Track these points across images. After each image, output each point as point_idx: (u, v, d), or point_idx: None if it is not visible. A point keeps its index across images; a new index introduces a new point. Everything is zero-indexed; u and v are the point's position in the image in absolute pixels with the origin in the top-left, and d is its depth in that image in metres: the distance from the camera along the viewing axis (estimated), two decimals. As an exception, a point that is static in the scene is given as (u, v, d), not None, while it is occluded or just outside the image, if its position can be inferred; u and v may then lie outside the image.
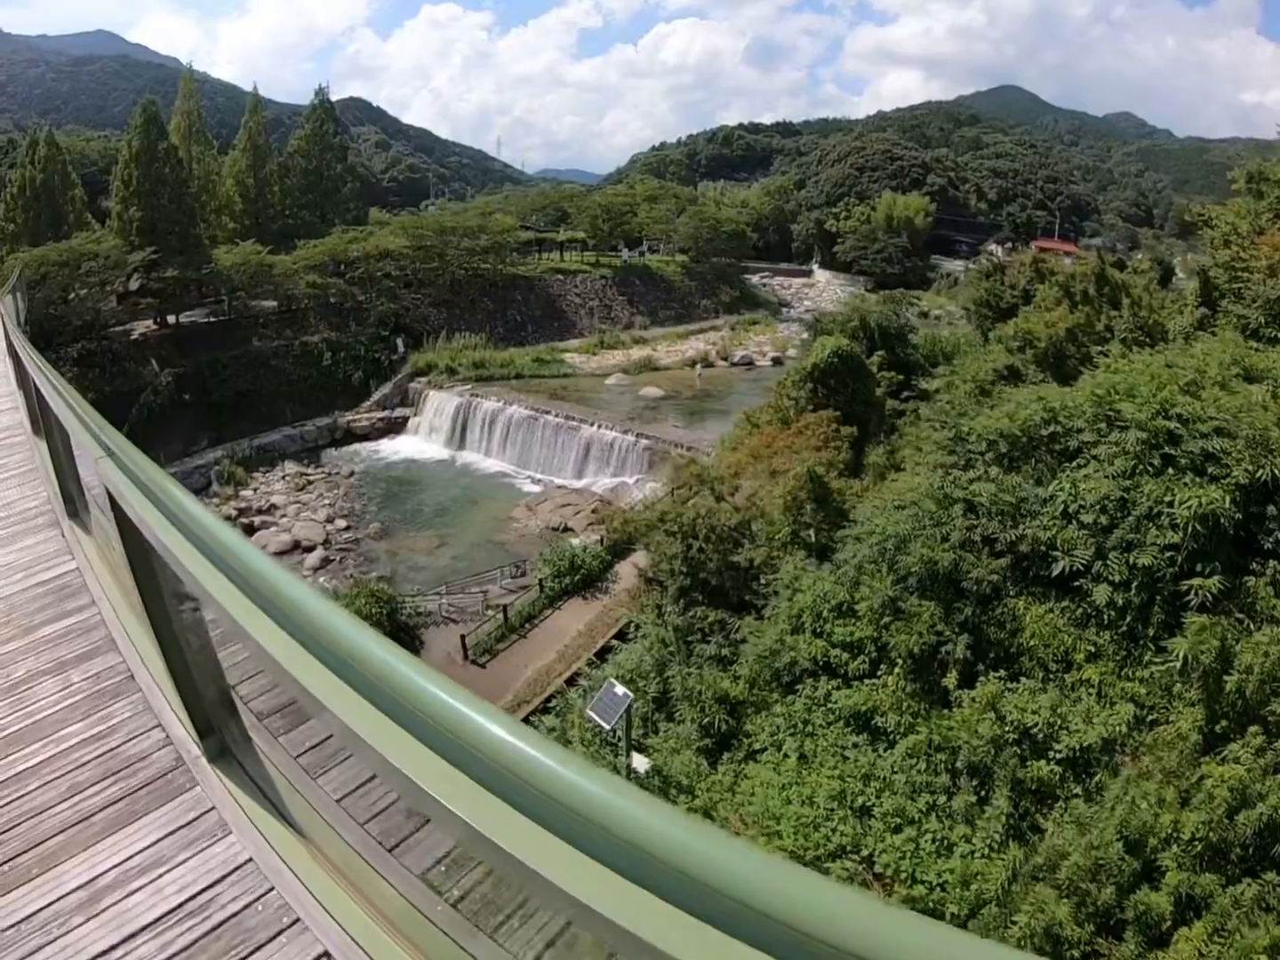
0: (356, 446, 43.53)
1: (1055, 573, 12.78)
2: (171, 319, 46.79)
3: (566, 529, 33.93)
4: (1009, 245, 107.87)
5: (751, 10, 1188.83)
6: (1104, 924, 9.34)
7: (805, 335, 51.73)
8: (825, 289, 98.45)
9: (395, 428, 45.21)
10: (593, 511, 34.87)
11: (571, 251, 70.37)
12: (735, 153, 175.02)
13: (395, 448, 43.48)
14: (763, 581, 16.56)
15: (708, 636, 16.42)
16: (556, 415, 40.27)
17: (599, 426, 39.07)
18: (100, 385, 37.88)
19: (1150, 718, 11.37)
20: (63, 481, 5.81)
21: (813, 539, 17.14)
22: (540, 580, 24.72)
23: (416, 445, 43.55)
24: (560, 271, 63.63)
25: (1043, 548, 13.04)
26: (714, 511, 18.28)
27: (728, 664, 15.51)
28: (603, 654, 20.73)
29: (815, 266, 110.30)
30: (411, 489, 38.34)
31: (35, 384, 5.63)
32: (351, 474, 39.51)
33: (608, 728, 12.87)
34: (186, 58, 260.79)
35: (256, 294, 48.96)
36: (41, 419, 6.48)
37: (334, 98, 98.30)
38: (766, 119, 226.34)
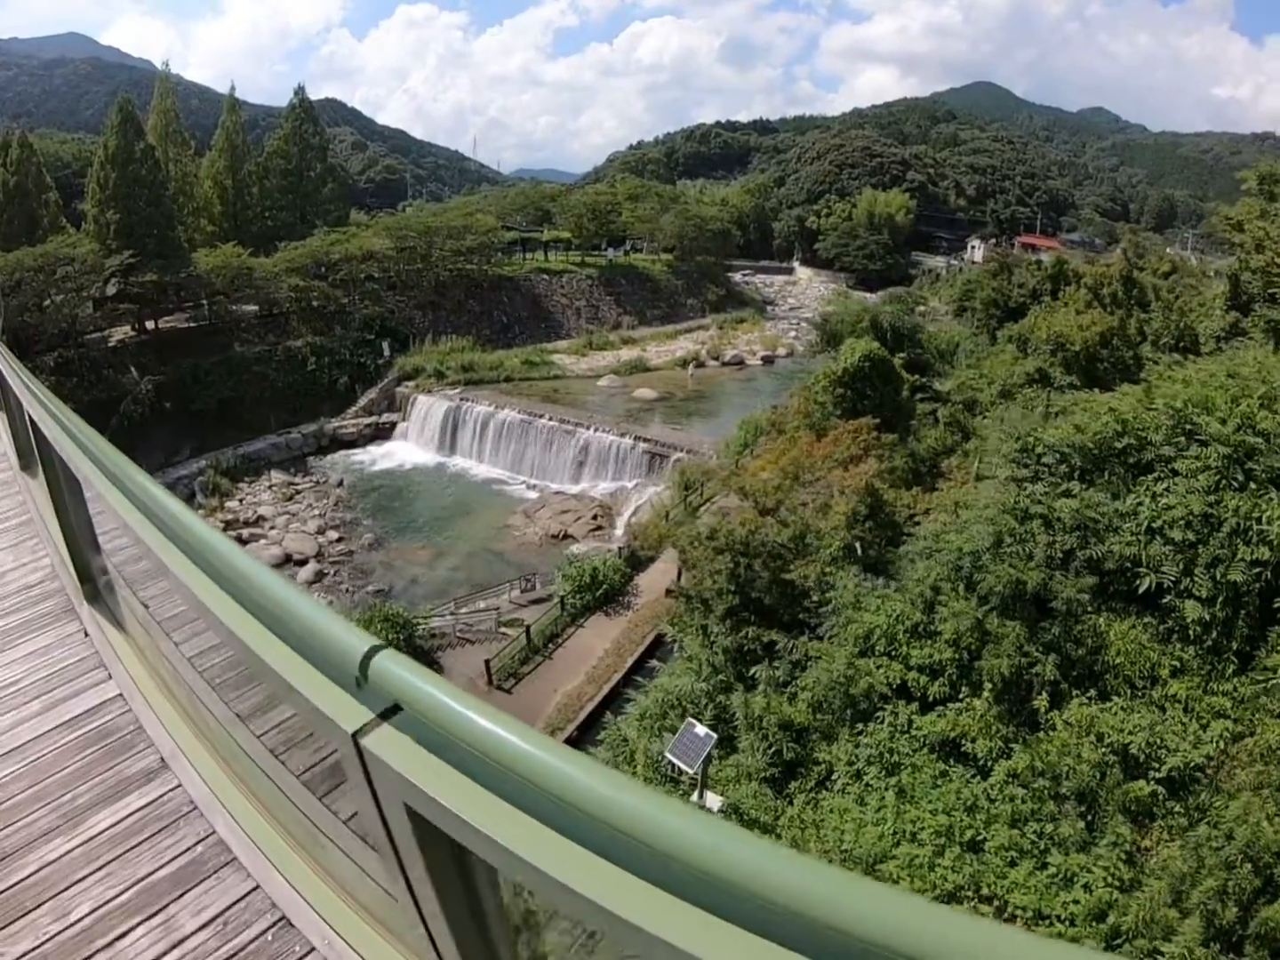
0: (344, 453, 42.48)
1: (1142, 589, 12.42)
2: (150, 325, 45.59)
3: (566, 536, 33.12)
4: (993, 241, 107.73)
5: (727, 9, 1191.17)
6: (1226, 943, 8.99)
7: (810, 336, 51.24)
8: (808, 287, 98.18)
9: (383, 433, 44.16)
10: (593, 518, 34.10)
11: (556, 251, 69.32)
12: (713, 151, 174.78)
13: (384, 454, 42.44)
14: (814, 599, 15.68)
15: (759, 658, 15.54)
16: (551, 419, 39.43)
17: (596, 430, 38.25)
18: (79, 394, 36.58)
19: (1237, 730, 11.02)
20: (75, 549, 4.49)
21: (863, 553, 16.35)
22: (561, 598, 23.73)
23: (406, 451, 42.53)
24: (546, 271, 62.68)
25: (1127, 564, 12.64)
26: (761, 526, 17.33)
27: (782, 686, 14.74)
28: (632, 674, 19.90)
29: (796, 264, 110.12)
30: (403, 497, 37.37)
31: (27, 411, 4.56)
32: (340, 482, 38.45)
33: (691, 771, 12.00)
34: (160, 59, 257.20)
35: (237, 298, 47.65)
36: (39, 454, 4.72)
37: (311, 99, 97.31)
38: (742, 117, 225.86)
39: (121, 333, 44.57)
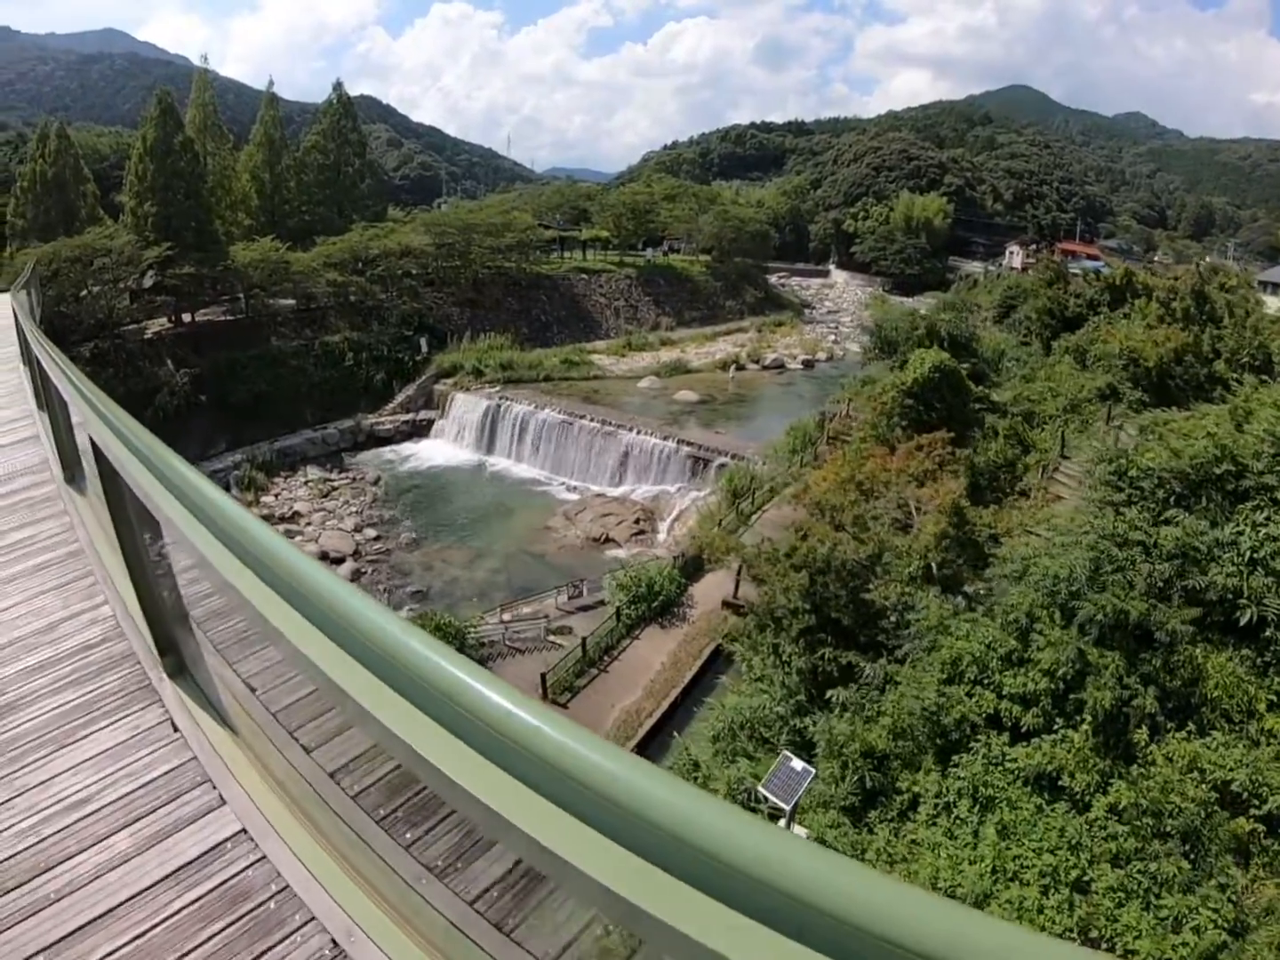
0: (380, 450, 41.80)
1: (1243, 622, 12.01)
2: (187, 317, 45.14)
3: (608, 540, 32.26)
4: (1032, 247, 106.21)
5: (761, 10, 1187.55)
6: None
7: (850, 342, 50.29)
8: (845, 290, 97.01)
9: (420, 431, 43.46)
10: (635, 522, 33.21)
11: (593, 250, 68.50)
12: (748, 152, 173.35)
13: (420, 451, 41.73)
14: (891, 619, 14.80)
15: (835, 680, 14.77)
16: (592, 420, 38.52)
17: (638, 432, 37.33)
18: (114, 386, 35.95)
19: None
20: (149, 606, 3.39)
21: (944, 573, 15.40)
22: (618, 608, 22.58)
23: (443, 449, 41.79)
24: (584, 271, 61.89)
25: (1228, 595, 12.20)
26: (839, 542, 16.37)
27: (858, 710, 13.90)
28: (690, 690, 18.98)
29: (832, 267, 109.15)
30: (441, 496, 36.62)
31: (69, 410, 4.32)
32: (378, 480, 37.73)
33: (787, 808, 11.10)
34: (197, 55, 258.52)
35: (275, 292, 47.15)
36: (98, 470, 3.53)
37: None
38: (776, 118, 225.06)
39: (158, 325, 44.10)
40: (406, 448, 42.21)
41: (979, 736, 12.24)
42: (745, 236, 76.86)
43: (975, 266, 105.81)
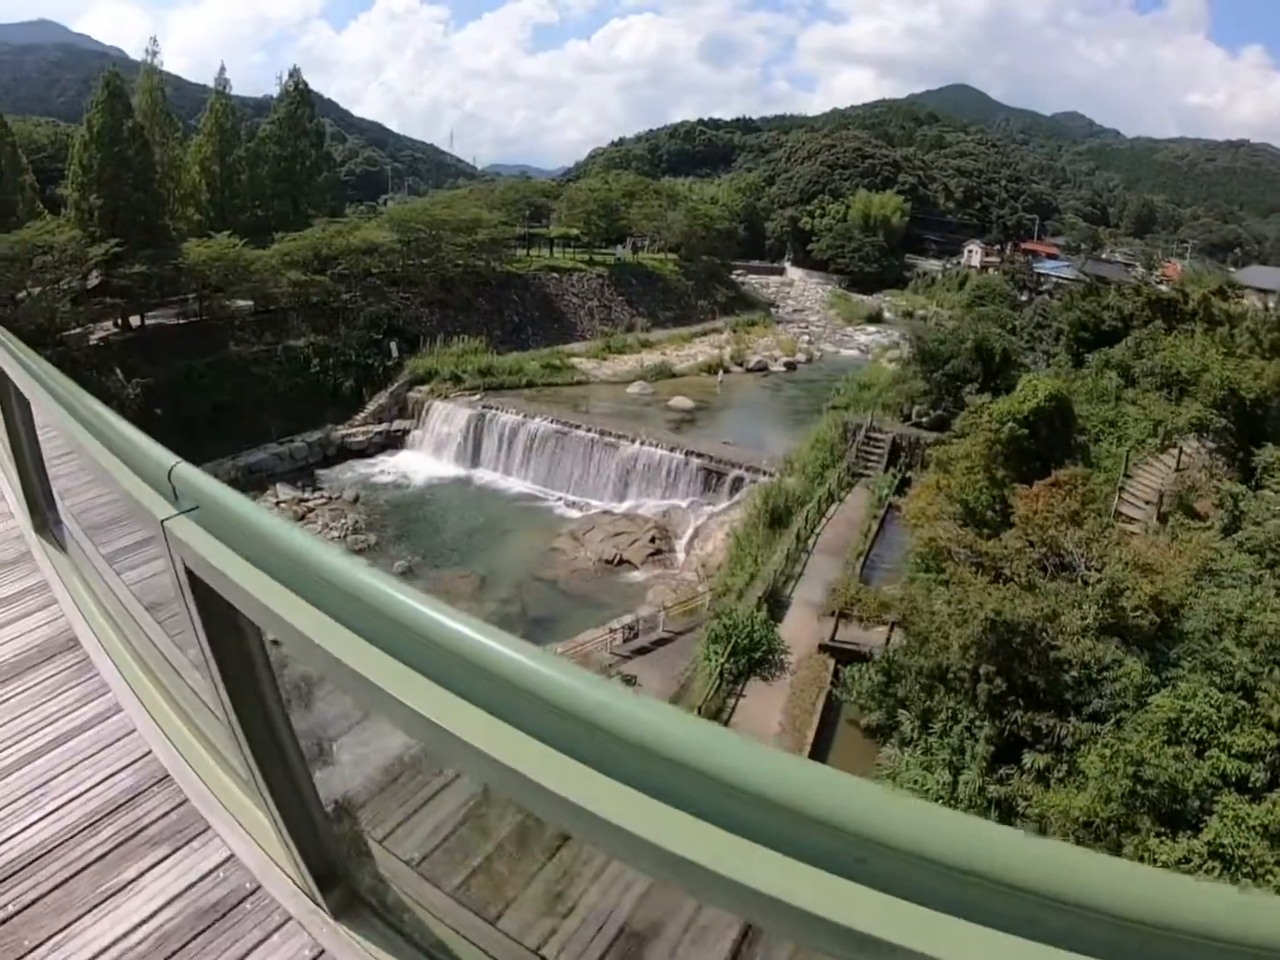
0: (353, 464, 38.62)
1: None
2: (136, 321, 41.48)
3: (623, 561, 29.93)
4: (998, 246, 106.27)
5: (707, 8, 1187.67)
6: None
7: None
8: (805, 288, 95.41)
9: (394, 442, 40.37)
10: (650, 541, 30.87)
11: (560, 248, 65.51)
12: (697, 148, 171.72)
13: (398, 465, 38.68)
14: (1076, 674, 13.35)
15: (1019, 744, 13.85)
16: (590, 430, 35.98)
17: (642, 443, 34.93)
18: (61, 398, 32.50)
19: None
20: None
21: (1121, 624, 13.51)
22: (721, 668, 19.49)
23: (422, 462, 38.77)
24: (555, 270, 58.84)
25: None
26: (1012, 596, 14.48)
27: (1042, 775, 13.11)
28: (817, 754, 16.60)
29: (787, 264, 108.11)
30: (429, 515, 33.76)
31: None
32: (356, 498, 34.61)
33: None
34: (135, 47, 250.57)
35: (231, 293, 43.62)
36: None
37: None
38: (720, 115, 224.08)
39: (104, 330, 40.44)
40: (382, 461, 39.10)
41: (1218, 798, 11.60)
42: (714, 235, 74.92)
43: (932, 264, 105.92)
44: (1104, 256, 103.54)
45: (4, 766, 2.84)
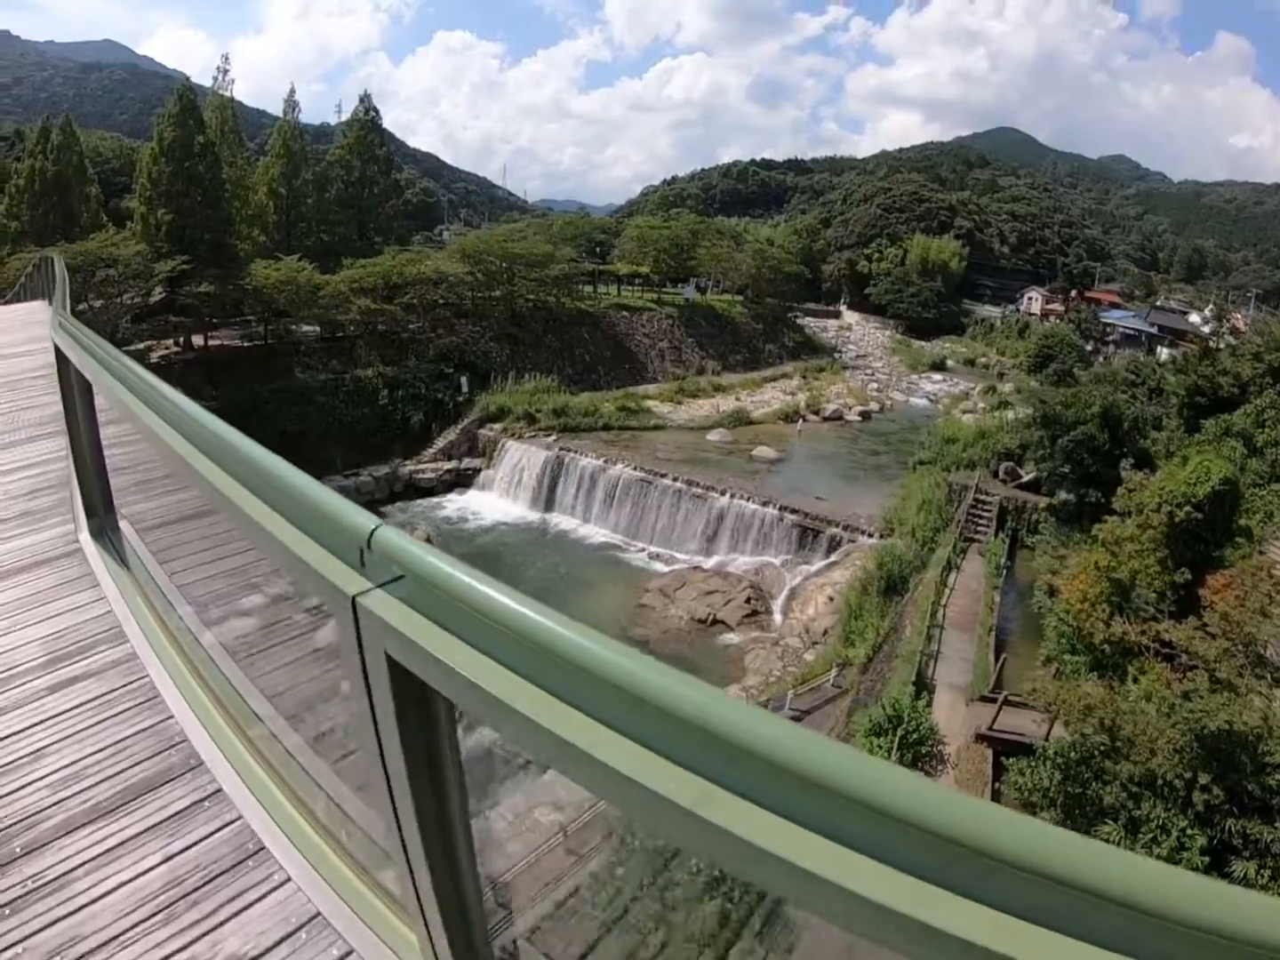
0: (420, 502, 36.67)
1: None
2: (199, 341, 39.85)
3: (716, 622, 27.66)
4: (1060, 294, 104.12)
5: (758, 50, 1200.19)
6: None
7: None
8: (864, 333, 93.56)
9: (464, 480, 38.26)
10: (746, 601, 28.54)
11: (629, 286, 63.70)
12: (750, 189, 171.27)
13: (468, 505, 36.60)
14: None
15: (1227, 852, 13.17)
16: (677, 480, 33.73)
17: (732, 496, 32.67)
18: (120, 420, 30.77)
19: None
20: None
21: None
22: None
23: (493, 504, 36.65)
24: (625, 308, 56.84)
25: None
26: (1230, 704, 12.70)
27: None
28: None
29: (843, 308, 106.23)
30: (505, 561, 31.39)
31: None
32: (427, 538, 32.39)
33: None
34: (196, 70, 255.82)
35: (298, 318, 41.97)
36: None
37: (343, 119, 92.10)
38: (768, 155, 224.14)
39: (165, 348, 38.85)
40: (452, 500, 37.07)
41: None
42: (780, 277, 73.10)
43: (989, 310, 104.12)
44: (1159, 304, 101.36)
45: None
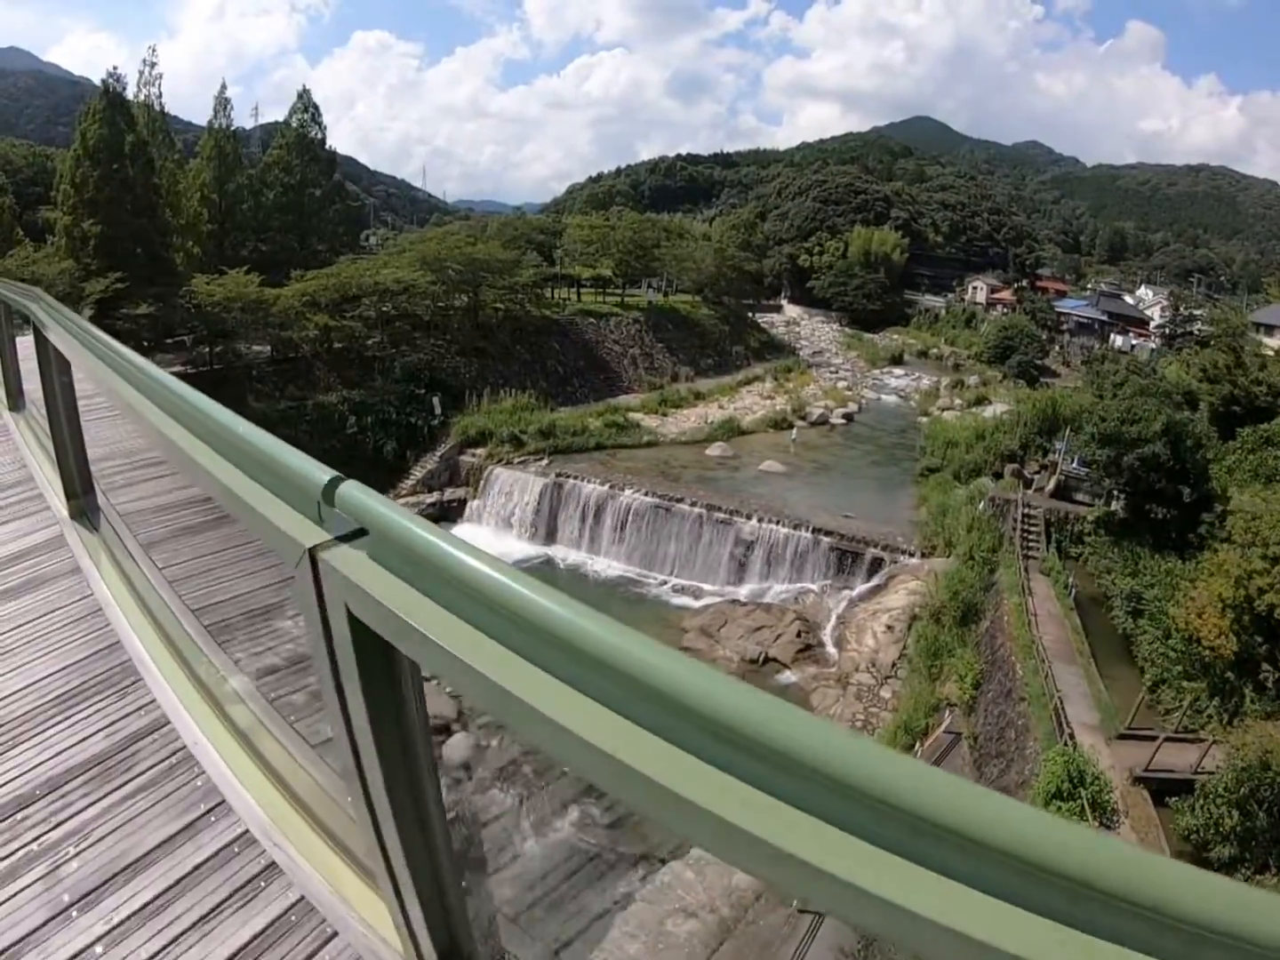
0: (402, 540, 32.99)
1: None
2: (138, 370, 35.51)
3: (769, 660, 25.21)
4: (1016, 282, 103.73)
5: (676, 45, 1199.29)
6: None
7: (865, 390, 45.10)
8: (813, 328, 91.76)
9: (449, 514, 34.51)
10: (797, 636, 25.92)
11: (586, 290, 60.35)
12: (678, 184, 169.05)
13: (458, 541, 33.09)
14: None
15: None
16: (696, 505, 30.75)
17: (759, 520, 29.85)
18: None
19: None
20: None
21: None
22: None
23: (486, 538, 32.89)
24: (591, 314, 53.50)
25: None
26: None
27: None
28: None
29: (784, 302, 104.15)
30: (515, 607, 28.20)
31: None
32: (422, 586, 29.01)
33: None
34: (101, 75, 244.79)
35: (252, 338, 37.83)
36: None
37: (260, 122, 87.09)
38: (688, 150, 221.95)
39: (100, 381, 34.55)
40: (439, 536, 33.53)
41: None
42: (740, 276, 70.82)
43: (931, 300, 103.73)
44: (1104, 290, 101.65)
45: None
